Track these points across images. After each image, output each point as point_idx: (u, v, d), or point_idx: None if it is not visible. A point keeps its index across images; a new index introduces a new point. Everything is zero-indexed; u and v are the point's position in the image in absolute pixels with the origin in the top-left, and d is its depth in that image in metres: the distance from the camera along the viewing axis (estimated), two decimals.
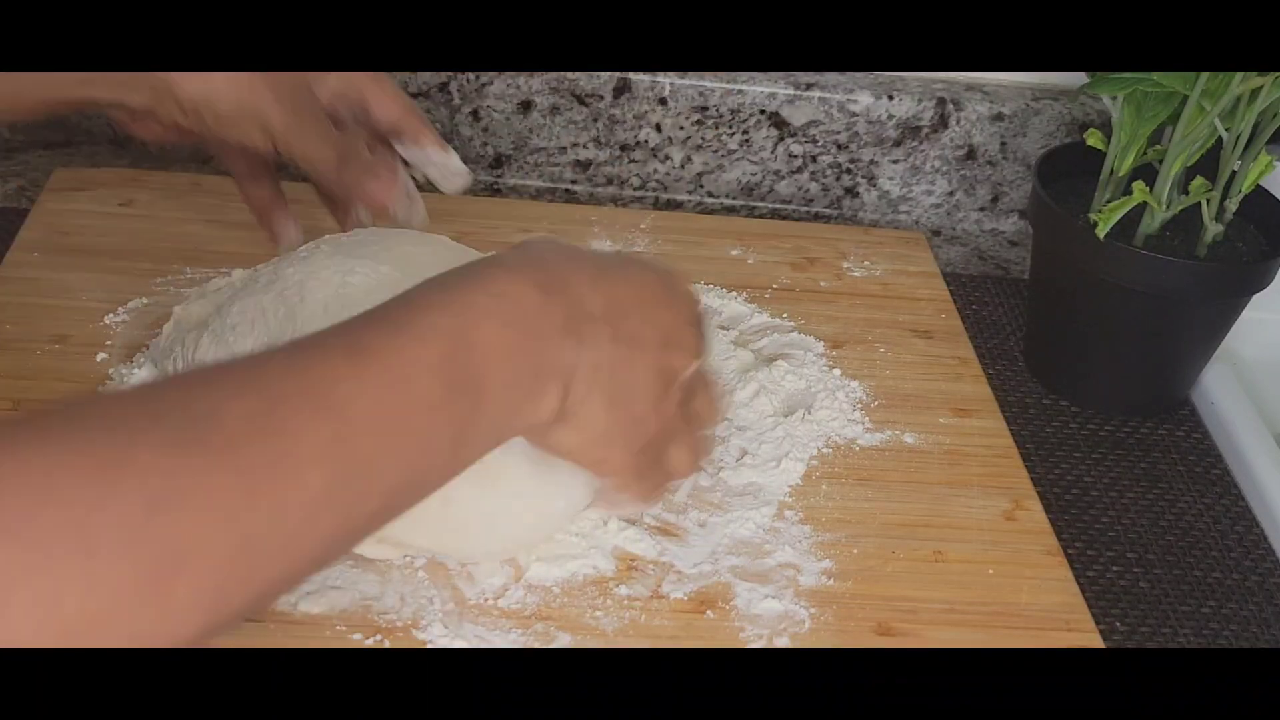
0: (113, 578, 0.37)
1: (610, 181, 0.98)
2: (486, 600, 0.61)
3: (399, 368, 0.46)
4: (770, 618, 0.62)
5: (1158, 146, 0.79)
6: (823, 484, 0.70)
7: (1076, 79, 0.81)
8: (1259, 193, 0.79)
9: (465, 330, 0.48)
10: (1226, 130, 0.75)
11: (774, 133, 0.96)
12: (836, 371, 0.78)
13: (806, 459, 0.71)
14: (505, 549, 0.63)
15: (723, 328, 0.80)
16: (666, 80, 0.94)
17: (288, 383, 0.44)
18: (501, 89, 0.94)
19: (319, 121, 0.68)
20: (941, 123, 0.97)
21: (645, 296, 0.56)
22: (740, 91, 0.95)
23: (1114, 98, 0.76)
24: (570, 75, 0.94)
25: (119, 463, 0.38)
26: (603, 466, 0.57)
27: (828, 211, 1.00)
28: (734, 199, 0.99)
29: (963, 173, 0.99)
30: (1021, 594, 0.65)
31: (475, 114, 0.95)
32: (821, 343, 0.80)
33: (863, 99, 0.95)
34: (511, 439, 0.52)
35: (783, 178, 0.98)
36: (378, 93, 0.71)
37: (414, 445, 0.46)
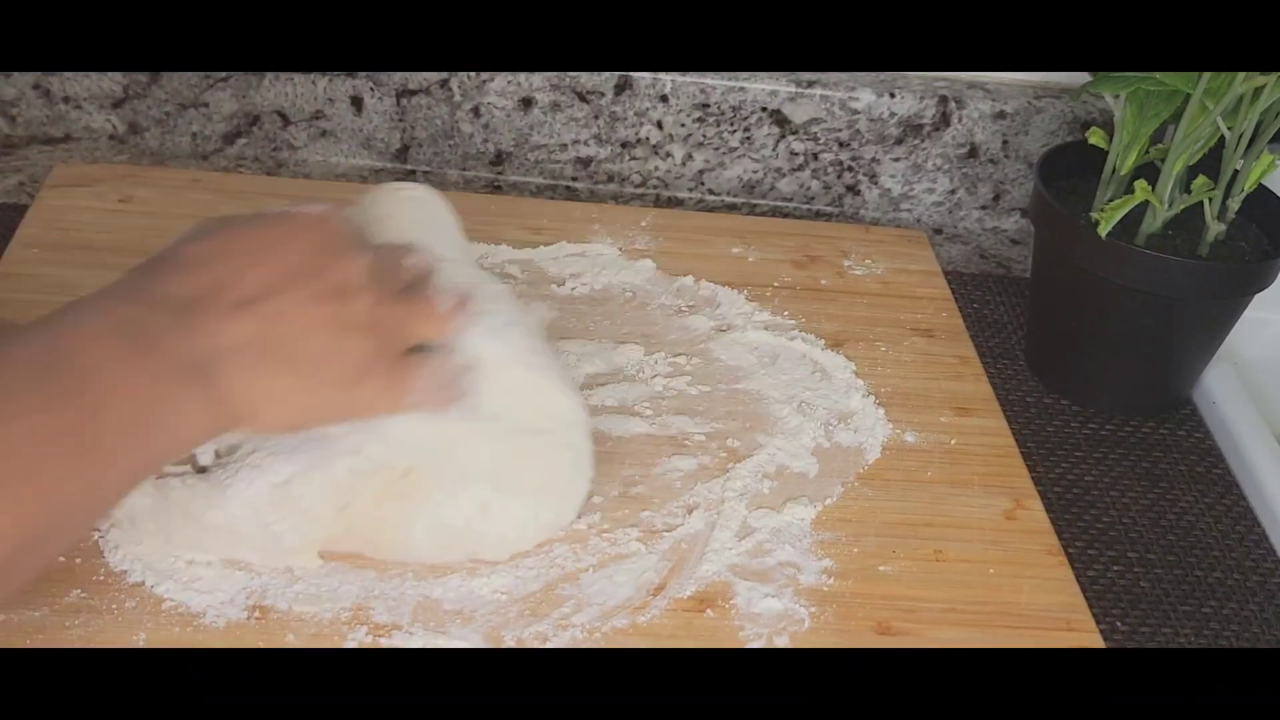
0: None
1: (611, 179, 0.98)
2: (484, 600, 0.61)
3: None
4: (770, 617, 0.62)
5: (1160, 145, 0.79)
6: (823, 483, 0.70)
7: (1079, 77, 0.81)
8: (1261, 192, 0.79)
9: (57, 345, 0.47)
10: (1229, 129, 0.75)
11: (775, 130, 0.96)
12: (837, 370, 0.78)
13: (806, 458, 0.71)
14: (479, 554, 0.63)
15: (721, 330, 0.80)
16: (668, 77, 0.94)
17: None
18: (502, 86, 0.94)
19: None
20: (943, 121, 0.96)
21: (263, 242, 0.52)
22: (741, 89, 0.95)
23: (1116, 96, 0.76)
24: (571, 72, 0.93)
25: None
26: (340, 416, 0.54)
27: (829, 209, 0.99)
28: (735, 196, 0.99)
29: (964, 171, 0.98)
30: (1022, 594, 0.65)
31: (476, 111, 0.95)
32: (822, 341, 0.80)
33: (864, 97, 0.95)
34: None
35: (784, 175, 0.98)
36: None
37: (28, 461, 0.45)
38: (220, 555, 0.60)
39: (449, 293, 0.57)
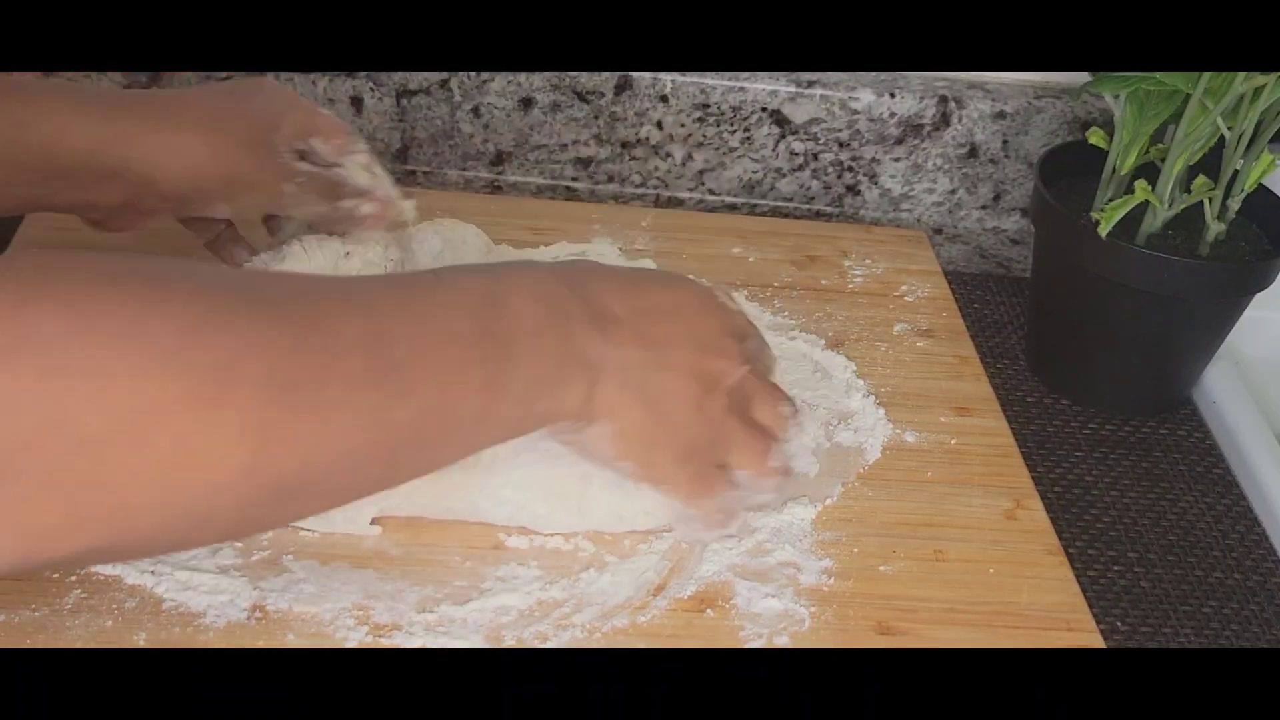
0: (173, 390, 0.40)
1: (611, 179, 0.98)
2: (483, 601, 0.61)
3: (435, 302, 0.50)
4: (770, 616, 0.62)
5: (1160, 145, 0.79)
6: (824, 483, 0.70)
7: (1079, 77, 0.81)
8: (1261, 191, 0.79)
9: (499, 294, 0.52)
10: (1229, 129, 0.75)
11: (775, 130, 0.96)
12: (837, 370, 0.78)
13: (806, 458, 0.71)
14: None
15: None
16: (668, 77, 0.94)
17: (334, 292, 0.48)
18: (502, 86, 0.94)
19: (294, 174, 0.68)
20: (943, 121, 0.96)
21: (677, 305, 0.57)
22: (742, 89, 0.95)
23: (1116, 96, 0.76)
24: (571, 72, 0.94)
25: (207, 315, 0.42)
26: (650, 471, 0.57)
27: (829, 209, 0.99)
28: (735, 197, 0.99)
29: (964, 171, 0.98)
30: (1022, 594, 0.65)
31: (476, 111, 0.95)
32: (822, 341, 0.80)
33: (864, 97, 0.95)
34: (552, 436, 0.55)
35: (784, 175, 0.98)
36: (322, 125, 0.69)
37: (446, 369, 0.49)
38: None
39: (780, 454, 0.60)
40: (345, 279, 0.53)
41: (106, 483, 0.40)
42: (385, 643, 0.58)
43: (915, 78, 0.97)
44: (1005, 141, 0.97)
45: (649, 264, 0.84)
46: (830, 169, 0.98)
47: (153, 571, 0.60)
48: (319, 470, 0.45)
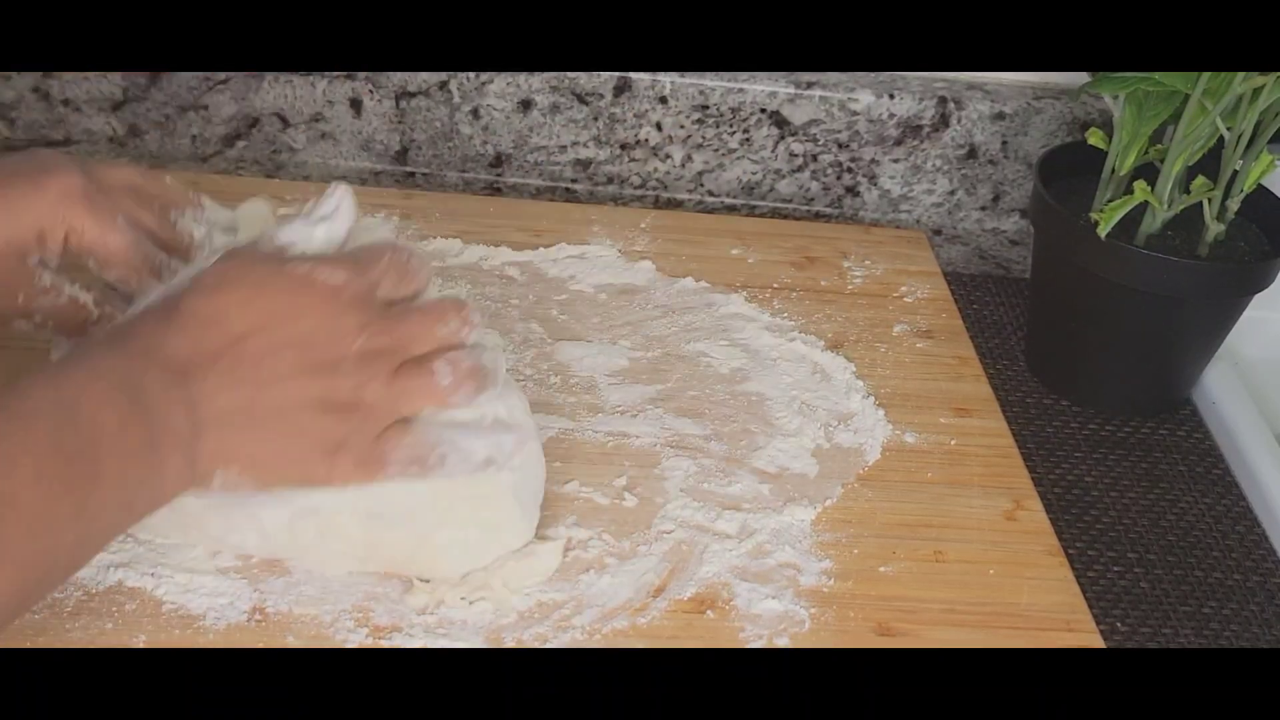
0: None
1: (610, 180, 0.98)
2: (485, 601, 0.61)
3: (5, 448, 0.47)
4: (770, 618, 0.62)
5: (1159, 146, 0.79)
6: (823, 484, 0.70)
7: (1078, 78, 0.81)
8: (1260, 192, 0.79)
9: (71, 405, 0.49)
10: (1228, 129, 0.75)
11: (775, 131, 0.96)
12: (837, 371, 0.78)
13: (806, 459, 0.71)
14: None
15: (721, 331, 0.80)
16: (667, 79, 0.94)
17: None
18: (501, 87, 0.94)
19: (35, 287, 0.60)
20: (942, 122, 0.96)
21: (261, 311, 0.54)
22: (741, 90, 0.95)
23: (1115, 97, 0.76)
24: (570, 74, 0.94)
25: None
26: (305, 480, 0.56)
27: (828, 210, 0.99)
28: (734, 198, 0.99)
29: (964, 172, 0.98)
30: (1022, 594, 0.65)
31: (475, 112, 0.95)
32: (822, 342, 0.80)
33: (864, 98, 0.95)
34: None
35: (783, 177, 0.98)
36: (107, 247, 0.60)
37: (32, 520, 0.47)
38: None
39: (455, 365, 0.57)
40: None
41: None
42: (385, 644, 0.58)
43: (914, 79, 0.97)
44: (1004, 142, 0.97)
45: (649, 266, 0.84)
46: (829, 170, 0.98)
47: (153, 574, 0.60)
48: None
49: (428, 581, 0.61)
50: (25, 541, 0.47)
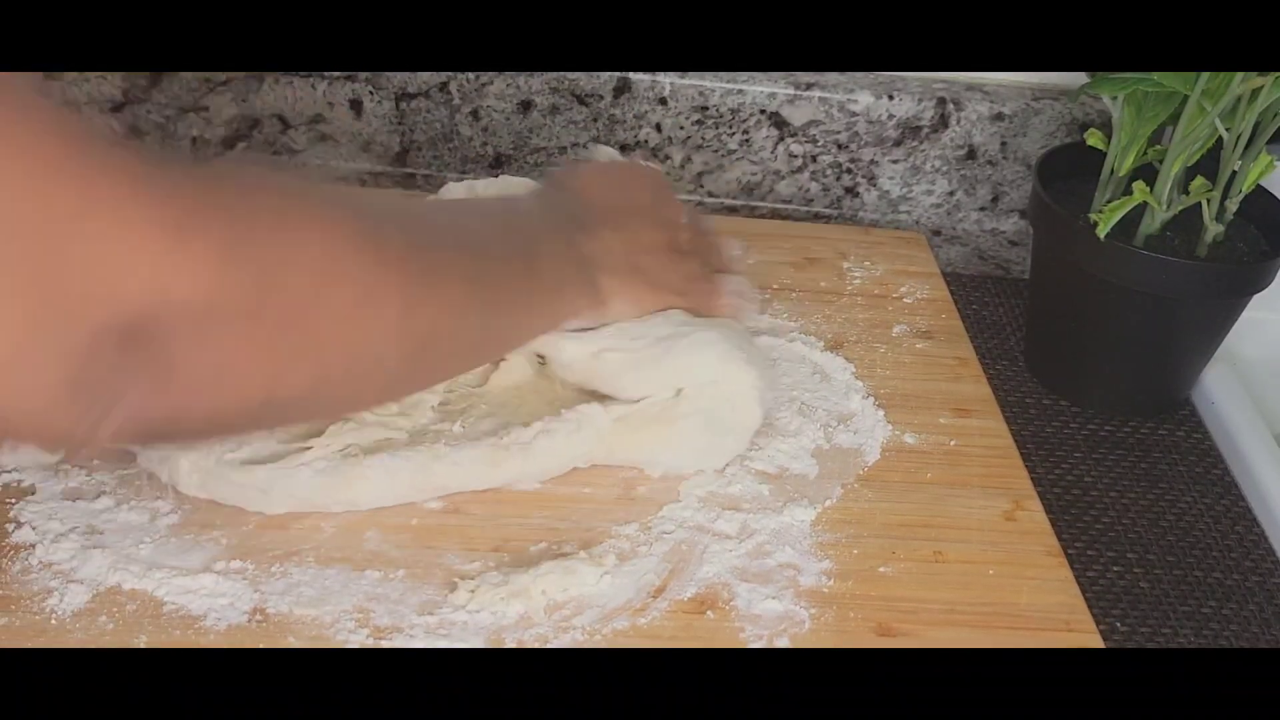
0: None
1: None
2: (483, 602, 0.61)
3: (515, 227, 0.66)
4: (770, 618, 0.62)
5: (1158, 146, 0.79)
6: (823, 484, 0.70)
7: (1077, 79, 0.81)
8: (1259, 193, 0.79)
9: (518, 213, 0.68)
10: (1227, 130, 0.75)
11: (774, 132, 0.96)
12: (836, 371, 0.78)
13: (806, 460, 0.71)
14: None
15: None
16: (666, 80, 0.94)
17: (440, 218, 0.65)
18: (501, 89, 0.94)
19: None
20: (942, 122, 0.97)
21: (617, 186, 0.74)
22: (740, 91, 0.95)
23: (1114, 98, 0.76)
24: (570, 75, 0.94)
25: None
26: (686, 305, 0.72)
27: (828, 211, 1.00)
28: (734, 199, 0.99)
29: (963, 173, 0.99)
30: (1021, 594, 0.65)
31: (475, 114, 0.95)
32: (821, 342, 0.80)
33: (863, 99, 0.95)
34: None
35: (783, 177, 0.98)
36: None
37: (490, 286, 0.61)
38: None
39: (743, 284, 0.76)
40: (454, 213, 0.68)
41: (313, 324, 0.50)
42: (386, 645, 0.58)
43: (913, 79, 0.97)
44: (1004, 143, 0.98)
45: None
46: (829, 171, 0.98)
47: (154, 575, 0.60)
48: (445, 328, 0.57)
49: (472, 580, 0.62)
50: (483, 310, 0.60)
